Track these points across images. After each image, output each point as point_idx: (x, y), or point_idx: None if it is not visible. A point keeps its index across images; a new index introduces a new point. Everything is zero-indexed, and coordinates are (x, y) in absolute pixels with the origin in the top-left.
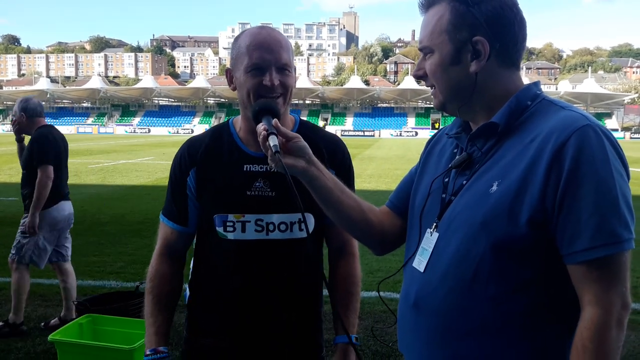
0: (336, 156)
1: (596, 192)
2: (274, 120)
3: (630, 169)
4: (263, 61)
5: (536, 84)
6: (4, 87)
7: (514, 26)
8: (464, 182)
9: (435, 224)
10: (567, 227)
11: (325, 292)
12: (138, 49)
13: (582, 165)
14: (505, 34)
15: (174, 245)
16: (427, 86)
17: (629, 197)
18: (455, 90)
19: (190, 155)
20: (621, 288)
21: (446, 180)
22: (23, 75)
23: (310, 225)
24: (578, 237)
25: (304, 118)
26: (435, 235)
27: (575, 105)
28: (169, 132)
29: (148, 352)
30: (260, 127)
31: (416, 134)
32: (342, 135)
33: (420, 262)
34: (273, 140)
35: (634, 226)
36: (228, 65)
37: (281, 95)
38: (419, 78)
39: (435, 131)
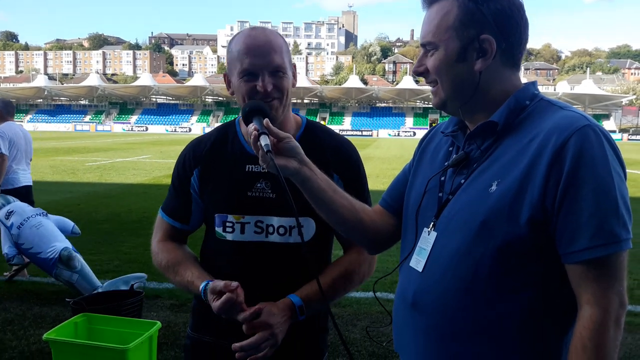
0: (341, 161)
1: (596, 192)
2: (265, 120)
3: (627, 170)
4: (254, 66)
5: (534, 84)
6: (1, 84)
7: (520, 27)
8: (462, 180)
9: (432, 223)
10: (567, 227)
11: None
12: (136, 47)
13: (583, 166)
14: (512, 34)
15: (173, 237)
16: (427, 82)
17: (627, 198)
18: (459, 87)
19: (195, 155)
20: (619, 287)
21: (442, 178)
22: (21, 72)
23: (310, 230)
24: (578, 236)
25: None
26: (434, 234)
27: (573, 106)
28: (167, 130)
29: (202, 285)
30: (251, 127)
31: (414, 134)
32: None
33: (418, 262)
34: (264, 140)
35: (631, 226)
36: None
37: (277, 98)
38: (419, 74)
39: (429, 128)
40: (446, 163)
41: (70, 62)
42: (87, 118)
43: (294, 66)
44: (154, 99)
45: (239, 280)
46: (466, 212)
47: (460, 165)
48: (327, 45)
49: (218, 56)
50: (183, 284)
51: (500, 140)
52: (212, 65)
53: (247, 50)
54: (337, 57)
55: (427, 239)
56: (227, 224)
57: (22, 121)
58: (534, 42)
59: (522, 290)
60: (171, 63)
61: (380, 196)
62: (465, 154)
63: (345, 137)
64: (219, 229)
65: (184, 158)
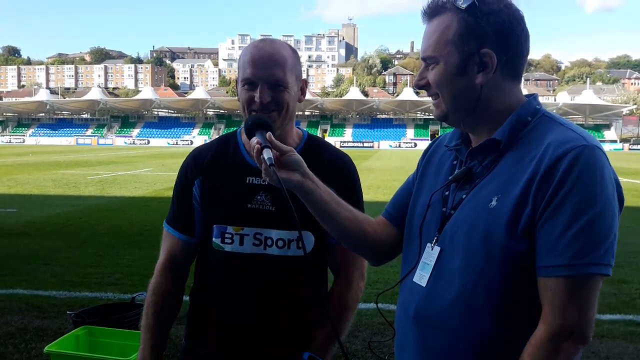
0: (339, 175)
1: (574, 211)
2: (268, 134)
3: (629, 180)
4: (255, 77)
5: (535, 98)
6: (3, 99)
7: (521, 39)
8: (464, 196)
9: (435, 238)
10: (542, 241)
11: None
12: (138, 61)
13: (568, 183)
14: (512, 47)
15: (178, 257)
16: (429, 96)
17: (612, 222)
18: (460, 101)
19: (197, 165)
20: (574, 313)
21: (446, 193)
22: (23, 86)
23: (309, 244)
24: (547, 252)
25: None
26: (437, 249)
27: (573, 116)
28: (168, 143)
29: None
30: (254, 140)
31: (415, 145)
32: (341, 146)
33: (421, 277)
34: (267, 154)
35: (613, 252)
36: (228, 76)
37: (275, 110)
38: (421, 88)
39: (432, 140)
40: (450, 177)
41: (72, 76)
42: (89, 132)
43: (304, 82)
44: (156, 113)
45: (236, 292)
46: (467, 227)
47: (462, 180)
48: (328, 57)
49: (219, 69)
50: (142, 337)
51: (502, 156)
52: (213, 78)
53: (251, 60)
54: (337, 70)
55: (431, 254)
56: (226, 235)
57: (24, 135)
58: (533, 53)
59: (525, 305)
60: (173, 76)
61: (382, 207)
62: (468, 169)
63: (344, 152)
64: (216, 240)
65: (185, 168)
